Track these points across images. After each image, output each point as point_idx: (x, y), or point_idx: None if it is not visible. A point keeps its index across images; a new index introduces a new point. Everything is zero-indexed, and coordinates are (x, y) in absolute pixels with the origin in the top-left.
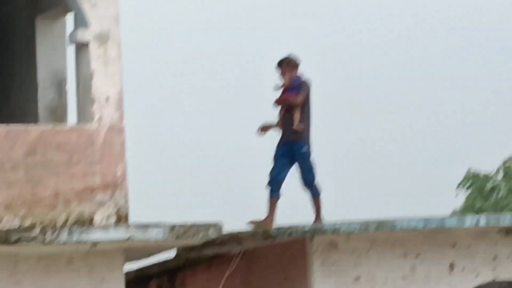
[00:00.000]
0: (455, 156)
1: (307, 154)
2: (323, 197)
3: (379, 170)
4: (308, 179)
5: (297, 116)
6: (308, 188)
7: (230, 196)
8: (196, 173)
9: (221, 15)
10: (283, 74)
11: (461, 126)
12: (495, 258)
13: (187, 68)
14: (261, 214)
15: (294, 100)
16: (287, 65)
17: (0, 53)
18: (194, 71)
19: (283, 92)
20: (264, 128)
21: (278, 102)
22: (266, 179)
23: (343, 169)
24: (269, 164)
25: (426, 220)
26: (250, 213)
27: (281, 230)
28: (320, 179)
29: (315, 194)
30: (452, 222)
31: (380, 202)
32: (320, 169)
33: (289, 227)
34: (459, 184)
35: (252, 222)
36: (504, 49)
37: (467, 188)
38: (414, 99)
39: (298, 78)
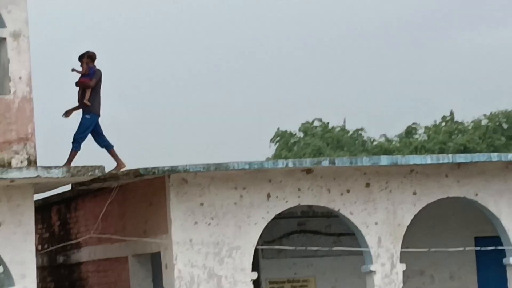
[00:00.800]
0: (266, 117)
1: (89, 120)
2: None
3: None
4: (74, 136)
5: (87, 94)
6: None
7: None
8: None
9: None
10: (82, 64)
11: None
12: (299, 189)
13: None
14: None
15: (88, 83)
16: (86, 57)
17: None
18: None
19: (81, 77)
20: (67, 112)
21: (77, 84)
22: None
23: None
24: None
25: (251, 163)
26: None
27: (147, 170)
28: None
29: (108, 147)
30: (269, 164)
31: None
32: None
33: (153, 168)
34: (271, 139)
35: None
36: None
37: (276, 142)
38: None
39: (93, 67)
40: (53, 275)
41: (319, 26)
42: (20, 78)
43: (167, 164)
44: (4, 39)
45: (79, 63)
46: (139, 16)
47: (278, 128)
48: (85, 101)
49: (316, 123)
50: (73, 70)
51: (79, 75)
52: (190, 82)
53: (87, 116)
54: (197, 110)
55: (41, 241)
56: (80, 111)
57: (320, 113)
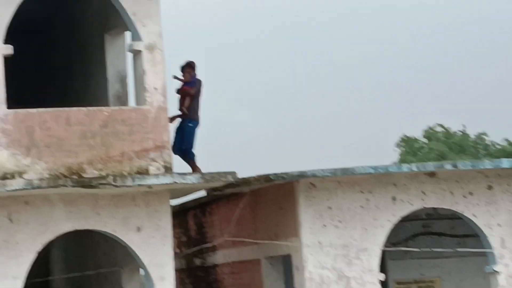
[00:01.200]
0: (390, 123)
1: (193, 128)
2: None
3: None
4: (186, 147)
5: (187, 102)
6: (185, 153)
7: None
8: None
9: None
10: (184, 73)
11: (394, 101)
12: (423, 192)
13: None
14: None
15: (189, 91)
16: (188, 66)
17: (82, 59)
18: None
19: (183, 85)
20: (171, 119)
21: (178, 92)
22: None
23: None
24: None
25: (376, 167)
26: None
27: (277, 175)
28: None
29: (191, 158)
30: (394, 168)
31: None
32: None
33: (283, 173)
34: (396, 144)
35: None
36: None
37: (401, 148)
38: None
39: (195, 76)
40: (191, 277)
41: (442, 32)
42: (155, 88)
43: (296, 170)
44: (140, 51)
45: (181, 73)
46: (269, 31)
47: (404, 134)
48: (183, 108)
49: (438, 129)
50: (175, 77)
51: (181, 83)
52: (317, 92)
53: (190, 124)
54: (324, 117)
55: (179, 245)
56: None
57: (441, 118)
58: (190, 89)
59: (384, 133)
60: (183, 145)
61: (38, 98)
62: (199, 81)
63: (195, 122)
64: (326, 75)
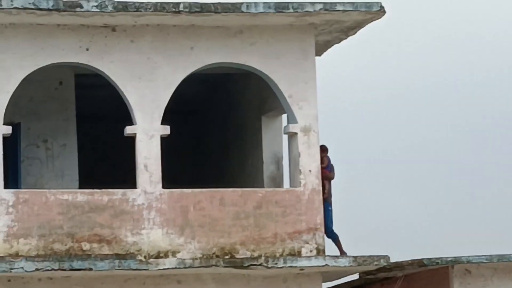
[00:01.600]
0: None
1: (331, 211)
2: None
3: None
4: (329, 229)
5: (327, 186)
6: (330, 234)
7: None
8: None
9: None
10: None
11: None
12: None
13: None
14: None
15: (329, 175)
16: (322, 150)
17: (238, 140)
18: None
19: (322, 169)
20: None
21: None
22: None
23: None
24: None
25: None
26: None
27: (431, 260)
28: None
29: (335, 238)
30: None
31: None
32: None
33: (437, 258)
34: None
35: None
36: None
37: None
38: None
39: (329, 159)
40: None
41: None
42: (310, 171)
43: (451, 255)
44: (295, 134)
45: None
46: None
47: None
48: (325, 192)
49: None
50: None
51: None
52: (474, 174)
53: (330, 208)
54: (478, 198)
55: None
56: None
57: None
58: (329, 173)
59: None
60: (327, 228)
61: (194, 178)
62: (332, 165)
63: (330, 204)
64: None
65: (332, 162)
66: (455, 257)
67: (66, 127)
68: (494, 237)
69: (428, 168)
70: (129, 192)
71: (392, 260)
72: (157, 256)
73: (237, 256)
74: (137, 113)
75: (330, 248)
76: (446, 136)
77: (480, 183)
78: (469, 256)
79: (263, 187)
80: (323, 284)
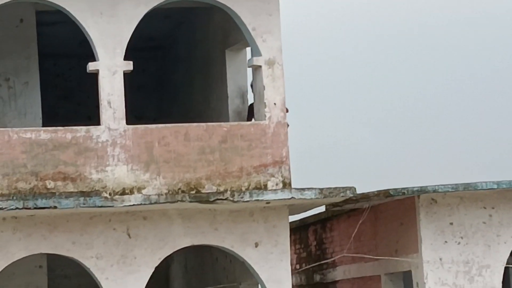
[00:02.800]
0: None
1: None
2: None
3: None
4: None
5: None
6: None
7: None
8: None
9: None
10: None
11: None
12: None
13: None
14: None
15: None
16: None
17: (202, 75)
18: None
19: None
20: None
21: None
22: None
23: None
24: None
25: (499, 183)
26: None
27: (397, 191)
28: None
29: None
30: None
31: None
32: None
33: (403, 188)
34: None
35: None
36: None
37: None
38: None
39: None
40: None
41: None
42: (274, 104)
43: (416, 185)
44: (260, 67)
45: None
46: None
47: None
48: None
49: None
50: None
51: None
52: (437, 103)
53: None
54: (445, 130)
55: (299, 261)
56: None
57: None
58: None
59: (509, 147)
60: None
61: (160, 114)
62: None
63: None
64: (452, 86)
65: (296, 96)
66: (421, 187)
67: (28, 65)
68: (460, 167)
69: (392, 100)
70: (93, 129)
71: (358, 191)
72: (122, 193)
73: (203, 191)
74: (99, 49)
75: (296, 181)
76: (409, 67)
77: (445, 113)
78: (435, 186)
79: (228, 121)
80: (290, 217)
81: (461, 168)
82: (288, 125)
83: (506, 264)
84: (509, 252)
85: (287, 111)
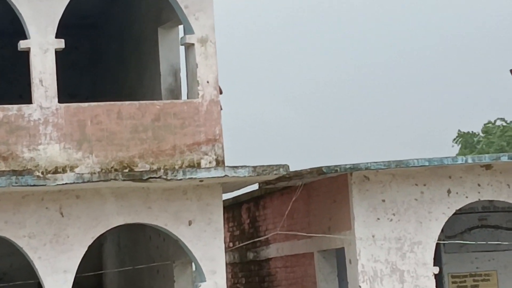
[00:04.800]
0: (447, 120)
1: None
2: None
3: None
4: None
5: None
6: None
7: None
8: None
9: None
10: None
11: (450, 98)
12: (479, 185)
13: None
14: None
15: None
16: None
17: (135, 53)
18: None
19: None
20: None
21: None
22: None
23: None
24: None
25: (430, 160)
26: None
27: (330, 168)
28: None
29: None
30: (448, 161)
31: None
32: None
33: (335, 166)
34: (454, 139)
35: None
36: None
37: (459, 143)
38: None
39: None
40: (244, 270)
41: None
42: (207, 82)
43: (349, 163)
44: (192, 45)
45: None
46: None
47: (459, 130)
48: None
49: (498, 123)
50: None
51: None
52: (360, 81)
53: None
54: (379, 110)
55: (232, 239)
56: None
57: (503, 113)
58: None
59: (442, 128)
60: None
61: (93, 93)
62: None
63: None
64: (378, 63)
65: (229, 74)
66: (353, 164)
67: None
68: (391, 144)
69: (324, 78)
70: (25, 108)
71: (291, 169)
72: (55, 172)
73: (136, 170)
74: (31, 27)
75: (229, 159)
76: (343, 42)
77: (376, 90)
78: (367, 163)
79: (161, 99)
80: (223, 195)
81: (392, 145)
82: (221, 108)
83: (438, 240)
84: (440, 228)
85: (221, 92)
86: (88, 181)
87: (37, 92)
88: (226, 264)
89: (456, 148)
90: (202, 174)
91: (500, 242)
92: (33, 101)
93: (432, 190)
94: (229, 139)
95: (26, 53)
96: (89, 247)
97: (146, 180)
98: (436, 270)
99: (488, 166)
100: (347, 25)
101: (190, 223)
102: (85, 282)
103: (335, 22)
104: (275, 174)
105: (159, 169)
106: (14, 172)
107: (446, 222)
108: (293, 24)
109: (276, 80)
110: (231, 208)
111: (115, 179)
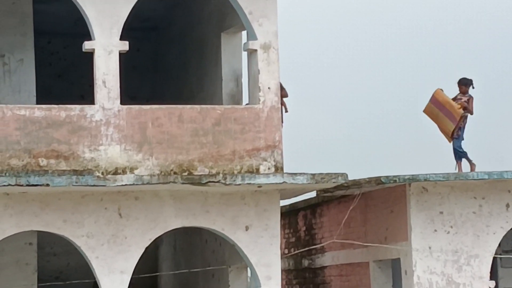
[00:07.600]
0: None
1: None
2: None
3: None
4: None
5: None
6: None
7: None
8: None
9: None
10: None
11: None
12: None
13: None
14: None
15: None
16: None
17: (196, 57)
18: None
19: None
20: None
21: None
22: None
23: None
24: None
25: (490, 173)
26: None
27: (388, 178)
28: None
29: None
30: (508, 174)
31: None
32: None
33: (394, 176)
34: None
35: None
36: None
37: None
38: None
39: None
40: (298, 277)
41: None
42: (269, 88)
43: (408, 173)
44: (255, 50)
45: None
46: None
47: None
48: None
49: None
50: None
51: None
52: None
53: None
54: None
55: (288, 245)
56: None
57: None
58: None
59: (503, 141)
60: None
61: (153, 96)
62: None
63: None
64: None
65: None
66: (412, 175)
67: (24, 42)
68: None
69: (386, 88)
70: (87, 108)
71: (350, 178)
72: (115, 173)
73: (195, 173)
74: (96, 29)
75: (289, 166)
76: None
77: None
78: (426, 174)
79: (222, 104)
80: (281, 201)
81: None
82: (287, 111)
83: (495, 254)
84: (498, 242)
85: (286, 95)
86: (147, 183)
87: (100, 93)
88: (281, 270)
89: None
90: (260, 180)
91: None
92: (95, 102)
93: (490, 203)
94: (288, 145)
95: (88, 54)
96: (146, 248)
97: (205, 184)
98: (492, 284)
99: None
100: (415, 42)
101: (247, 228)
102: (140, 283)
103: (398, 36)
104: (334, 182)
105: (218, 173)
106: (75, 172)
107: (503, 237)
108: (368, 36)
109: (339, 88)
110: (288, 215)
111: (174, 182)
